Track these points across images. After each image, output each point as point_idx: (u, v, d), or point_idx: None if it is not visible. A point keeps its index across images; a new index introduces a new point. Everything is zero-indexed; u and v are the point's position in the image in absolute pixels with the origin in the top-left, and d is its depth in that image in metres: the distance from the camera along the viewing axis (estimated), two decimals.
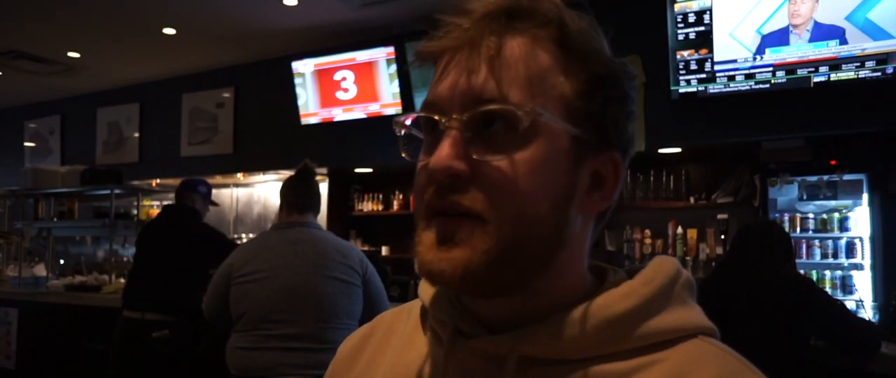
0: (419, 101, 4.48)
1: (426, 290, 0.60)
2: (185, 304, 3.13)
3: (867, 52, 3.26)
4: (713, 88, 3.61)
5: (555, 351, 0.50)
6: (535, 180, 0.48)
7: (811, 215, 3.75)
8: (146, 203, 6.20)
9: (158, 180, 5.99)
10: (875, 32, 3.24)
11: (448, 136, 0.49)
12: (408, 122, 0.53)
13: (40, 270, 5.12)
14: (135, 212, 5.04)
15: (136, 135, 6.17)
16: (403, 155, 0.55)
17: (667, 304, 0.52)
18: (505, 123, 0.48)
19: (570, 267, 0.52)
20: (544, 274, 0.51)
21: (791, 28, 3.41)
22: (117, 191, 4.81)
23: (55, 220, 5.26)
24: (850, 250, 3.66)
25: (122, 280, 4.45)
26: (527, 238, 0.48)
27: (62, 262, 5.90)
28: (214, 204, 3.64)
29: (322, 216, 2.88)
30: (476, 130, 0.49)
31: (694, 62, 3.64)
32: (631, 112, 0.54)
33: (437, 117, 0.50)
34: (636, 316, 0.50)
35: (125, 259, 5.52)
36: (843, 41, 3.30)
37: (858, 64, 3.28)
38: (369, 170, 5.25)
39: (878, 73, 3.25)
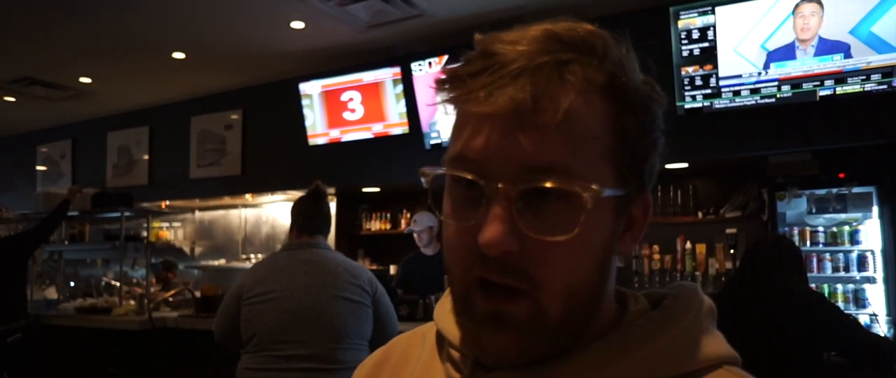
0: (426, 120, 4.52)
1: (443, 317, 0.58)
2: (21, 309, 3.98)
3: (873, 65, 3.26)
4: (719, 103, 3.62)
5: None
6: (586, 251, 0.47)
7: (821, 229, 3.72)
8: (155, 225, 6.23)
9: (168, 202, 6.03)
10: (880, 46, 3.25)
11: (498, 207, 0.45)
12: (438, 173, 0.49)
13: (51, 293, 5.15)
14: (144, 234, 5.07)
15: (146, 158, 6.23)
16: (432, 207, 0.52)
17: (692, 336, 0.51)
18: (560, 197, 0.45)
19: (604, 305, 0.52)
20: (590, 322, 0.51)
21: (797, 43, 3.42)
22: (127, 213, 4.85)
23: (66, 243, 5.31)
24: (862, 263, 3.63)
25: (133, 302, 4.47)
26: (578, 305, 0.48)
27: (73, 284, 5.93)
28: None
29: (330, 236, 2.87)
30: (526, 201, 0.45)
31: (699, 78, 3.65)
32: (662, 144, 0.51)
33: (482, 182, 0.46)
34: (662, 349, 0.50)
35: (134, 281, 5.54)
36: (848, 55, 3.31)
37: (864, 77, 3.29)
38: (377, 189, 5.27)
39: (885, 86, 3.25)
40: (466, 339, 0.51)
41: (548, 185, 0.44)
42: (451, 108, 0.49)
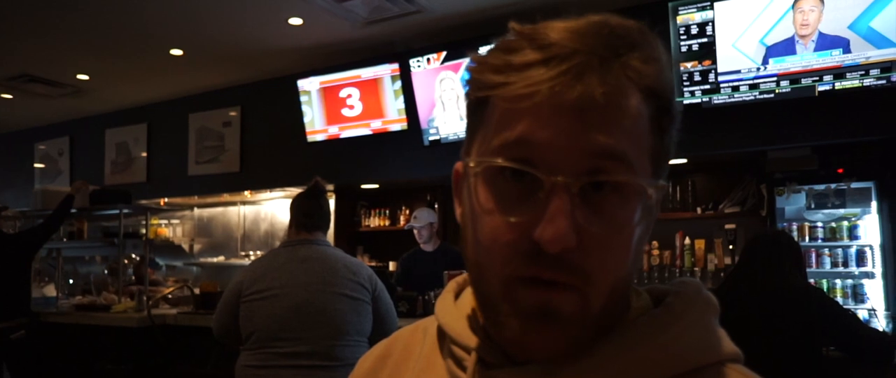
0: (424, 116, 4.51)
1: (445, 313, 0.58)
2: (24, 307, 3.99)
3: (871, 60, 3.26)
4: (718, 99, 3.62)
5: None
6: (631, 245, 0.48)
7: (820, 224, 3.72)
8: (154, 222, 6.23)
9: (166, 199, 6.02)
10: (878, 41, 3.25)
11: (559, 201, 0.44)
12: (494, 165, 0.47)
13: (50, 290, 5.15)
14: (143, 231, 5.07)
15: (144, 155, 6.22)
16: (454, 198, 0.52)
17: (695, 334, 0.51)
18: (615, 191, 0.45)
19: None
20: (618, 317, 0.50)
21: (797, 38, 3.42)
22: (125, 210, 4.84)
23: (65, 240, 5.30)
24: (861, 259, 3.64)
25: (131, 299, 4.47)
26: (615, 299, 0.48)
27: (71, 281, 5.92)
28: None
29: (329, 232, 2.86)
30: (583, 196, 0.45)
31: (697, 73, 3.65)
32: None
33: (543, 175, 0.44)
34: (665, 347, 0.49)
35: (133, 278, 5.53)
36: (847, 50, 3.31)
37: (863, 72, 3.28)
38: (375, 185, 5.27)
39: (883, 81, 3.25)
40: (506, 337, 0.48)
41: (616, 178, 0.45)
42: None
